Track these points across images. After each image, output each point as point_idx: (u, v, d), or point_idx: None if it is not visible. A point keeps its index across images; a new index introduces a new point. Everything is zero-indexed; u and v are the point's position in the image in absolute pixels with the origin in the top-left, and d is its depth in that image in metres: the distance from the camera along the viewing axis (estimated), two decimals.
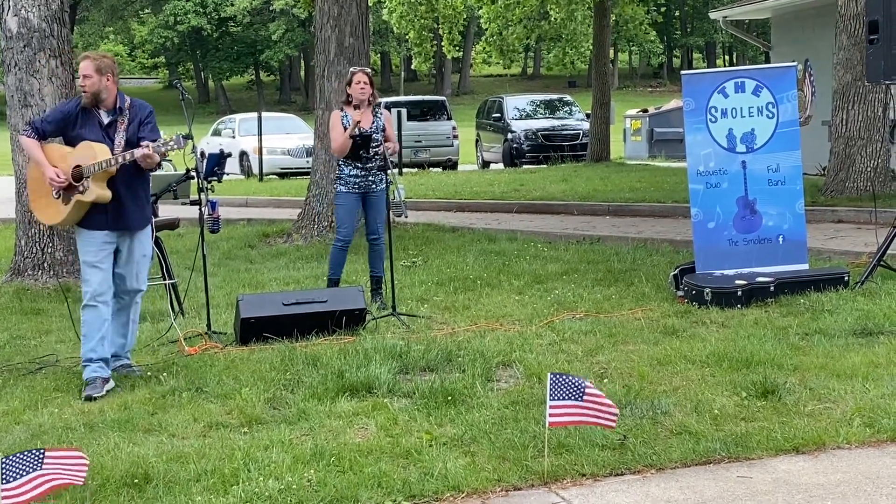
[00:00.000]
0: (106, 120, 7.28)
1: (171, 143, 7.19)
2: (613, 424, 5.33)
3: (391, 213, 9.64)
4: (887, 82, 9.89)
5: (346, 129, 9.30)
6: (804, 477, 5.12)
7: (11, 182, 12.41)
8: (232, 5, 65.21)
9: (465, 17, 35.11)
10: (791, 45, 21.83)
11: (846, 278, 9.25)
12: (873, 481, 5.05)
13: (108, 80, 7.23)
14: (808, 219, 10.20)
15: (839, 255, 10.98)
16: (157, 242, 9.32)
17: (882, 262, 9.51)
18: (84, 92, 7.25)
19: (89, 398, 6.89)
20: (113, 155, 7.11)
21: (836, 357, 7.08)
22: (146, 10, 76.25)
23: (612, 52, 33.82)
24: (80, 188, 7.11)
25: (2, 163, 22.32)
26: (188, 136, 7.48)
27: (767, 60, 24.42)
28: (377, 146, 9.39)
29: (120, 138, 7.25)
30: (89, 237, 7.27)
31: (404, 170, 27.10)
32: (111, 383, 7.12)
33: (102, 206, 7.19)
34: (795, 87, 10.08)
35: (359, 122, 9.25)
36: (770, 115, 9.81)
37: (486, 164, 31.99)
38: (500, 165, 30.37)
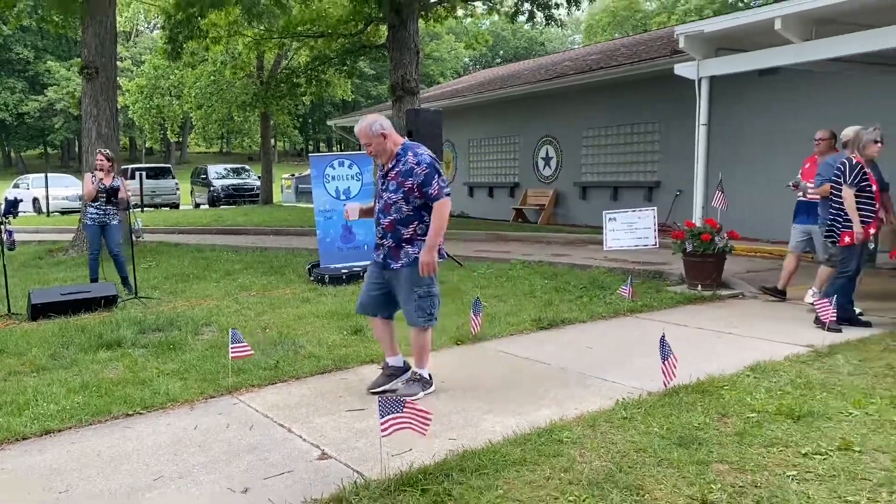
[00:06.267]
0: None
1: None
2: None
3: (132, 235, 8.86)
4: None
5: (93, 184, 8.49)
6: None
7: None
8: (27, 105, 56.91)
9: (182, 117, 33.47)
10: None
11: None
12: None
13: None
14: None
15: None
16: None
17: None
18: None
19: None
20: None
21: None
22: None
23: (272, 140, 32.96)
24: None
25: None
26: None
27: (359, 149, 24.97)
28: (115, 195, 8.56)
29: None
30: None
31: (145, 209, 25.25)
32: None
33: None
34: (372, 163, 10.39)
35: (102, 178, 8.54)
36: (358, 179, 10.04)
37: (197, 206, 30.16)
38: (207, 206, 28.78)
